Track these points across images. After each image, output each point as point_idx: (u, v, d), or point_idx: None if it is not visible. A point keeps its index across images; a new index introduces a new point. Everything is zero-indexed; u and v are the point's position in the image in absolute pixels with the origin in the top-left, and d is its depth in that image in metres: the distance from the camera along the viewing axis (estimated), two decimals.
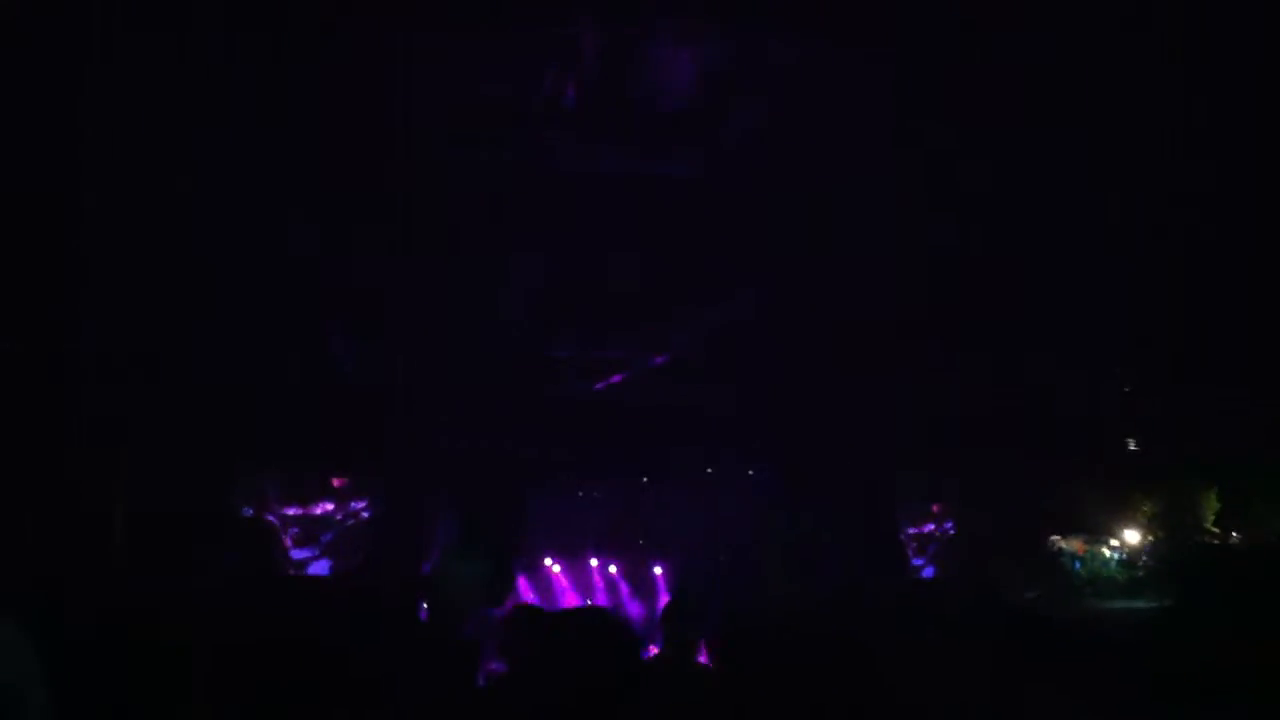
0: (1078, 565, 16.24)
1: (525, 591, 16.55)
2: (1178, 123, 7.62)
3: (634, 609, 18.41)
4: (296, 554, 13.54)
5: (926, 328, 9.59)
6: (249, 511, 12.80)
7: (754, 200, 8.75)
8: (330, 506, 13.90)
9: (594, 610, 3.55)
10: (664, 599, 18.27)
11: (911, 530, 16.53)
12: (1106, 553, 16.17)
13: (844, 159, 8.05)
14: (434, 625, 10.13)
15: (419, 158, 7.71)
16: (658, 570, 18.16)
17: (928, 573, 16.74)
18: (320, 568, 13.60)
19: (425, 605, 10.97)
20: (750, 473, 15.25)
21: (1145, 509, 15.63)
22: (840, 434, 11.56)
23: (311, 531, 13.80)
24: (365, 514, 13.60)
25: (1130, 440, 13.41)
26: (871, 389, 10.57)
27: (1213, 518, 14.85)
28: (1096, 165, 8.06)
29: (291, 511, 13.74)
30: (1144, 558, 15.82)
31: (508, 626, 4.25)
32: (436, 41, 7.10)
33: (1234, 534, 14.44)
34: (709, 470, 15.47)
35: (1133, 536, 15.93)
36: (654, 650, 8.68)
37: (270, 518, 13.29)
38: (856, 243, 8.83)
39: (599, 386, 12.14)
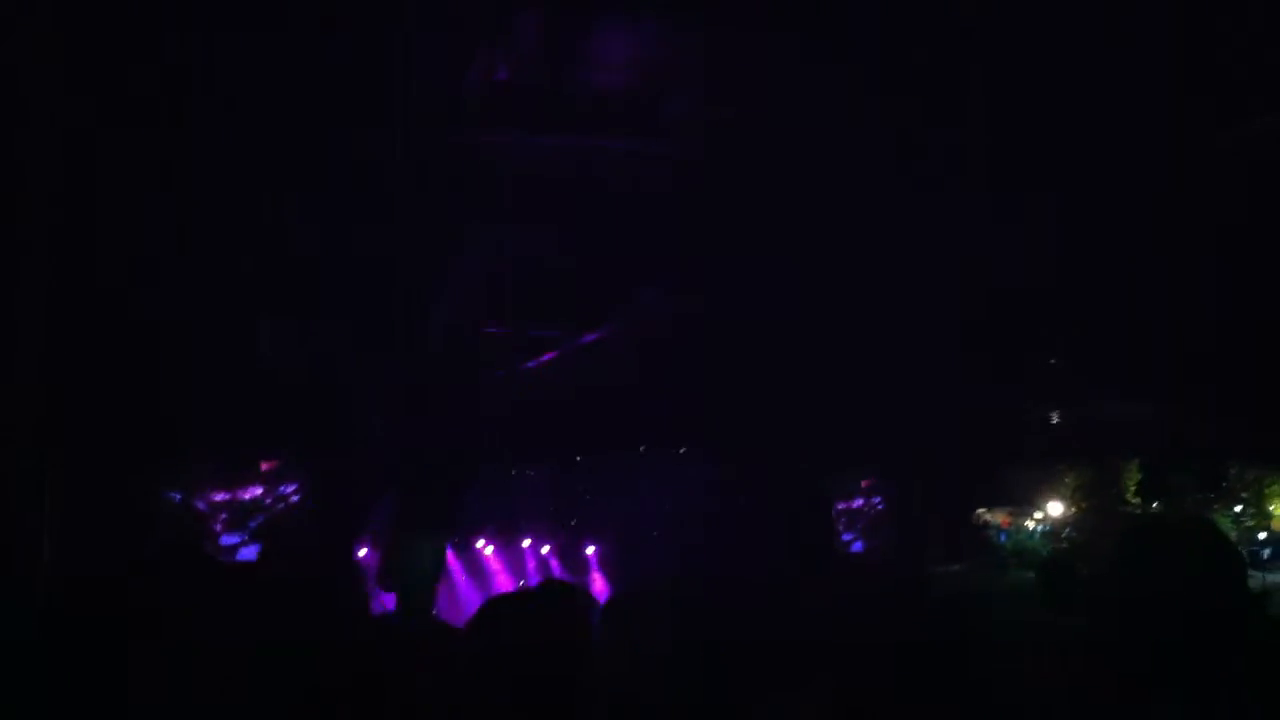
0: (1003, 537, 16.61)
1: (458, 573, 16.49)
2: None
3: None
4: (226, 540, 13.31)
5: (859, 318, 9.65)
6: (176, 497, 12.52)
7: (697, 191, 8.72)
8: (259, 490, 13.68)
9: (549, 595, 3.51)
10: (596, 577, 18.32)
11: (841, 505, 16.77)
12: (1030, 525, 16.56)
13: (790, 152, 8.03)
14: (404, 610, 9.98)
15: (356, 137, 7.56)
16: (590, 550, 18.19)
17: (857, 546, 17.01)
18: (249, 553, 13.38)
19: (381, 591, 10.83)
20: (682, 451, 15.31)
21: (1068, 482, 16.02)
22: (774, 420, 11.63)
23: (240, 517, 13.57)
24: (294, 498, 13.40)
25: (1054, 416, 13.70)
26: (805, 375, 10.64)
27: (1133, 491, 15.28)
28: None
29: (220, 497, 13.49)
30: (1067, 529, 16.23)
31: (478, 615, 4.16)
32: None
33: (1153, 506, 14.87)
34: (641, 450, 15.50)
35: (1056, 509, 16.32)
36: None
37: (199, 504, 13.04)
38: (796, 238, 8.85)
39: (531, 365, 12.05)
